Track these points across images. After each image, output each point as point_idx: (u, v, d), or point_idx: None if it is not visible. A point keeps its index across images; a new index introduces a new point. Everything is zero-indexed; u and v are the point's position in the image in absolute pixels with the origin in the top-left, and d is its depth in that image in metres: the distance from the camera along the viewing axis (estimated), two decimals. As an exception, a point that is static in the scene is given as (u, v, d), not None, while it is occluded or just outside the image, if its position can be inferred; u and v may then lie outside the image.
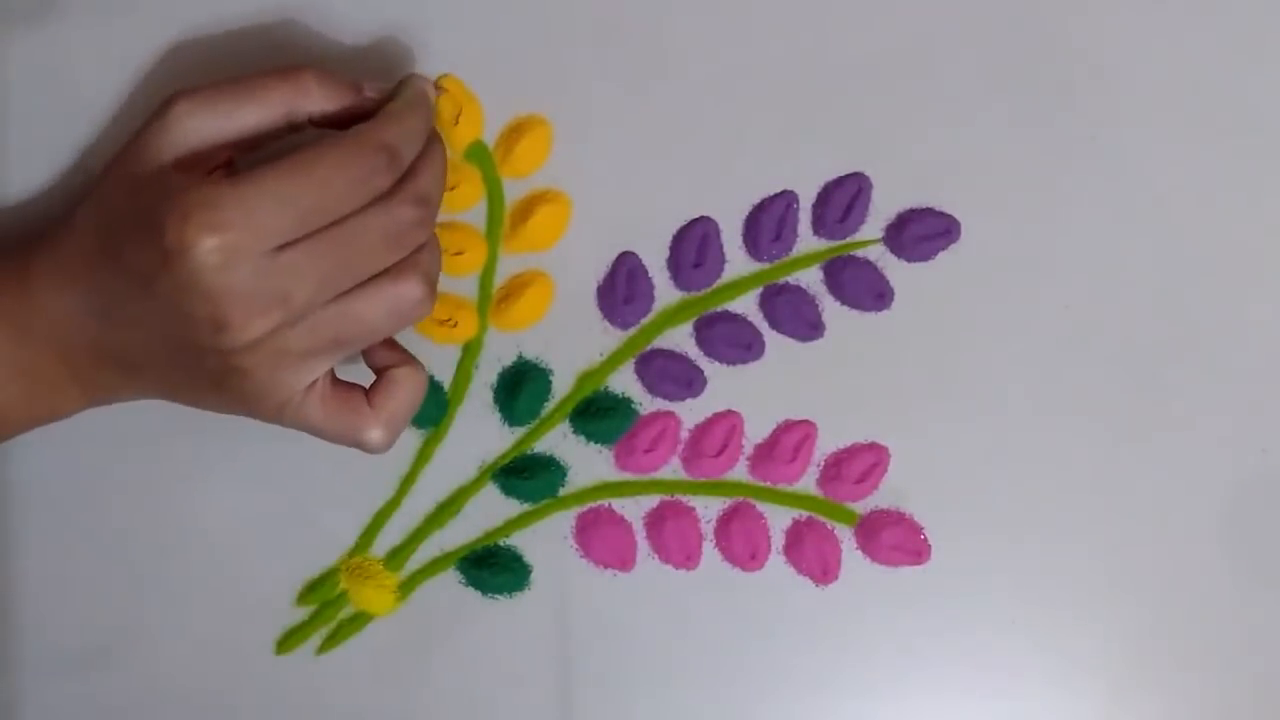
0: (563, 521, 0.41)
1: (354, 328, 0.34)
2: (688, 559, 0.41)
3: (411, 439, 0.41)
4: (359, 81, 0.36)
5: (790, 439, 0.41)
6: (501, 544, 0.41)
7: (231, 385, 0.34)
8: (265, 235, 0.32)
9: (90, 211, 0.35)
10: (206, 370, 0.34)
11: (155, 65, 0.41)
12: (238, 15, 0.41)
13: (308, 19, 0.41)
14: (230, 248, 0.31)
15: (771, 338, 0.41)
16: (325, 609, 0.41)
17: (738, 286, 0.41)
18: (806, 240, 0.41)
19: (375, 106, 0.36)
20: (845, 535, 0.41)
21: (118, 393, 0.37)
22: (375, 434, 0.36)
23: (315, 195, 0.32)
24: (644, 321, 0.41)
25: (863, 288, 0.41)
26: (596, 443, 0.41)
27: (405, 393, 0.36)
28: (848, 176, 0.41)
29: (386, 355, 0.37)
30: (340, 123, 0.36)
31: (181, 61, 0.41)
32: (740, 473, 0.41)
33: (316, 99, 0.35)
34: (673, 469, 0.41)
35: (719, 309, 0.41)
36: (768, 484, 0.41)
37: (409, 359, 0.37)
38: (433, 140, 0.36)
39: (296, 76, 0.35)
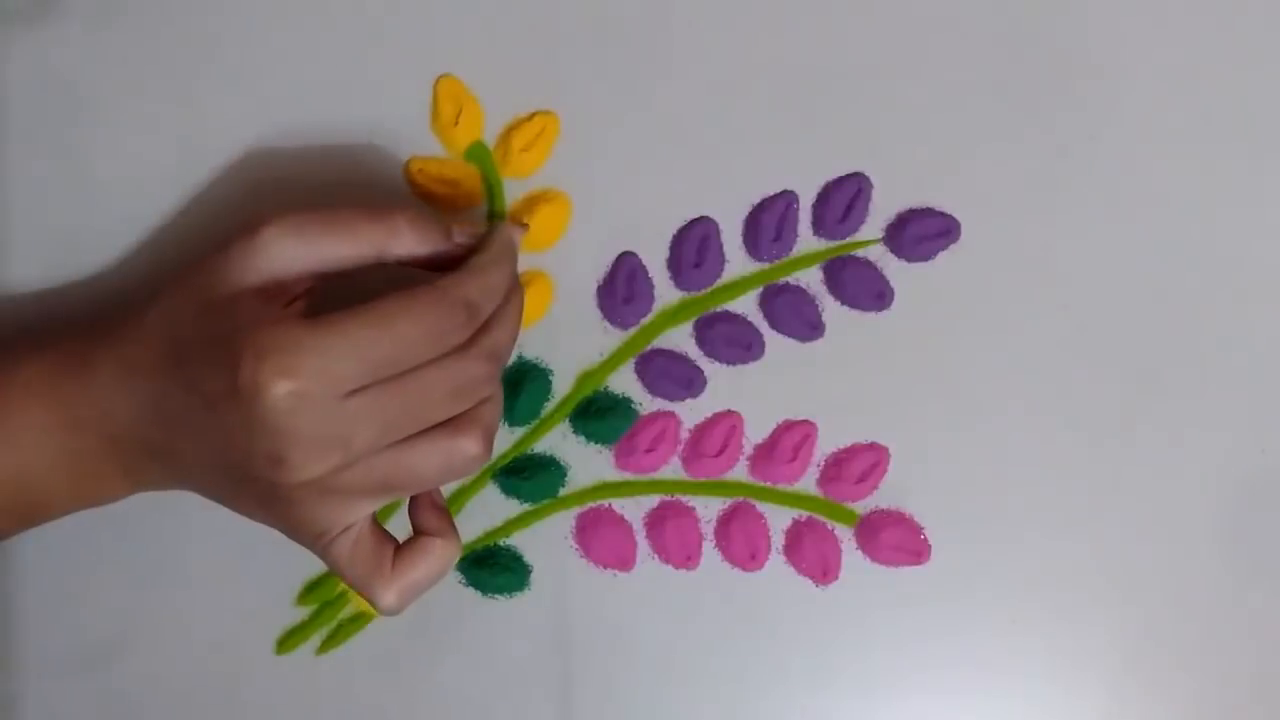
0: (563, 521, 0.41)
1: (406, 476, 0.34)
2: (688, 559, 0.41)
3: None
4: (449, 226, 0.36)
5: (790, 439, 0.41)
6: (501, 544, 0.41)
7: (276, 509, 0.34)
8: (337, 383, 0.32)
9: (163, 318, 0.35)
10: (255, 491, 0.34)
11: (155, 65, 0.41)
12: (237, 16, 0.41)
13: (308, 19, 0.41)
14: (301, 394, 0.31)
15: (771, 338, 0.41)
16: (325, 609, 0.41)
17: (738, 286, 0.41)
18: (806, 240, 0.41)
19: (463, 253, 0.36)
20: (845, 535, 0.41)
21: (163, 486, 0.37)
22: (387, 597, 0.35)
23: (391, 347, 0.32)
24: (644, 321, 0.41)
25: (863, 288, 0.41)
26: (596, 443, 0.41)
27: (430, 565, 0.36)
28: (848, 176, 0.41)
29: (429, 519, 0.36)
30: (427, 264, 0.35)
31: (181, 61, 0.41)
32: (740, 473, 0.41)
33: (408, 242, 0.35)
34: (673, 469, 0.41)
35: (719, 309, 0.41)
36: (768, 484, 0.41)
37: (448, 529, 0.36)
38: (513, 292, 0.36)
39: (390, 219, 0.35)
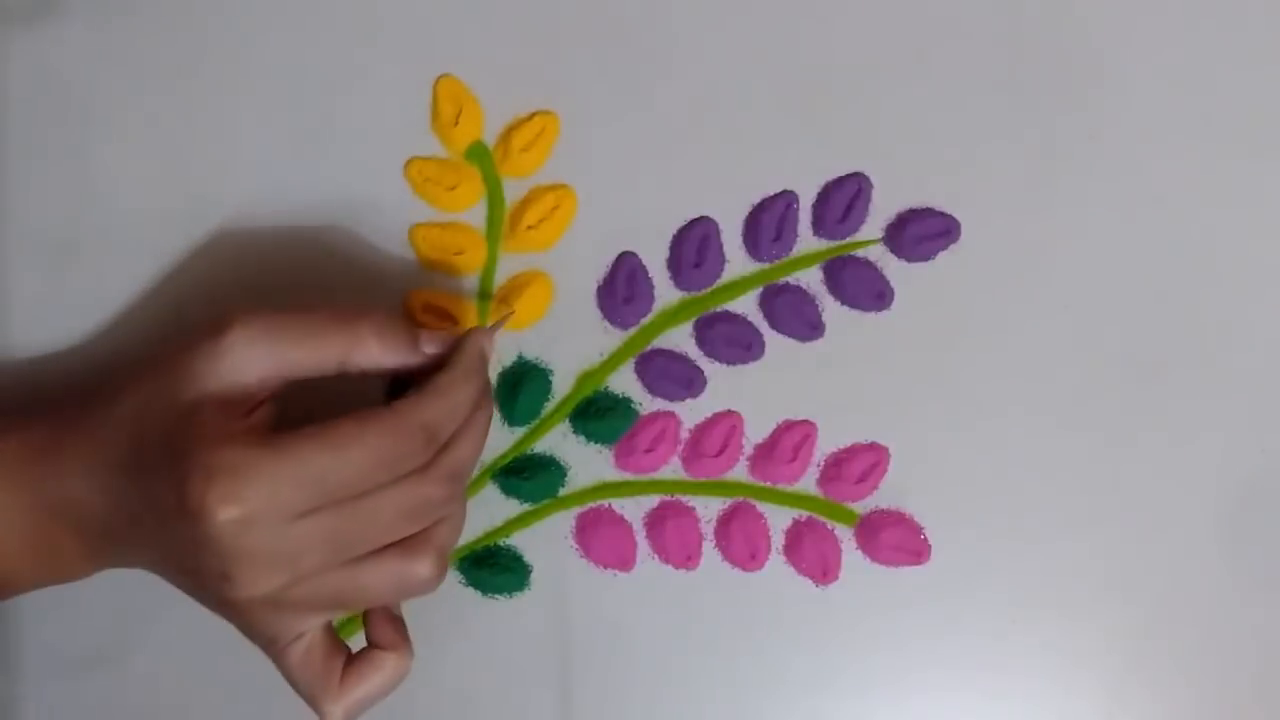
0: (563, 521, 0.41)
1: (357, 594, 0.34)
2: (688, 559, 0.41)
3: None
4: (417, 334, 0.35)
5: (790, 439, 0.41)
6: (501, 544, 0.41)
7: (229, 615, 0.35)
8: (285, 507, 0.32)
9: (126, 416, 0.34)
10: (208, 598, 0.34)
11: (155, 65, 0.41)
12: (237, 16, 0.41)
13: (308, 19, 0.41)
14: (247, 519, 0.31)
15: (771, 338, 0.41)
16: (325, 609, 0.41)
17: (738, 286, 0.41)
18: (806, 240, 0.41)
19: (430, 364, 0.35)
20: (845, 535, 0.41)
21: (126, 566, 0.37)
22: (334, 711, 0.35)
23: (343, 474, 0.32)
24: (644, 321, 0.41)
25: (863, 288, 0.41)
26: (596, 443, 0.41)
27: (380, 679, 0.36)
28: (848, 176, 0.41)
29: (383, 633, 0.36)
30: (394, 372, 0.35)
31: (181, 61, 0.41)
32: (740, 473, 0.41)
33: (373, 355, 0.34)
34: (673, 469, 0.41)
35: (719, 309, 0.41)
36: (768, 484, 0.41)
37: (400, 642, 0.36)
38: (479, 407, 0.35)
39: (354, 329, 0.34)
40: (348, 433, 0.32)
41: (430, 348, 0.35)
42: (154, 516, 0.33)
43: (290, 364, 0.34)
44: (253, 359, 0.33)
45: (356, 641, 0.41)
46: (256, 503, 0.31)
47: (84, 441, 0.35)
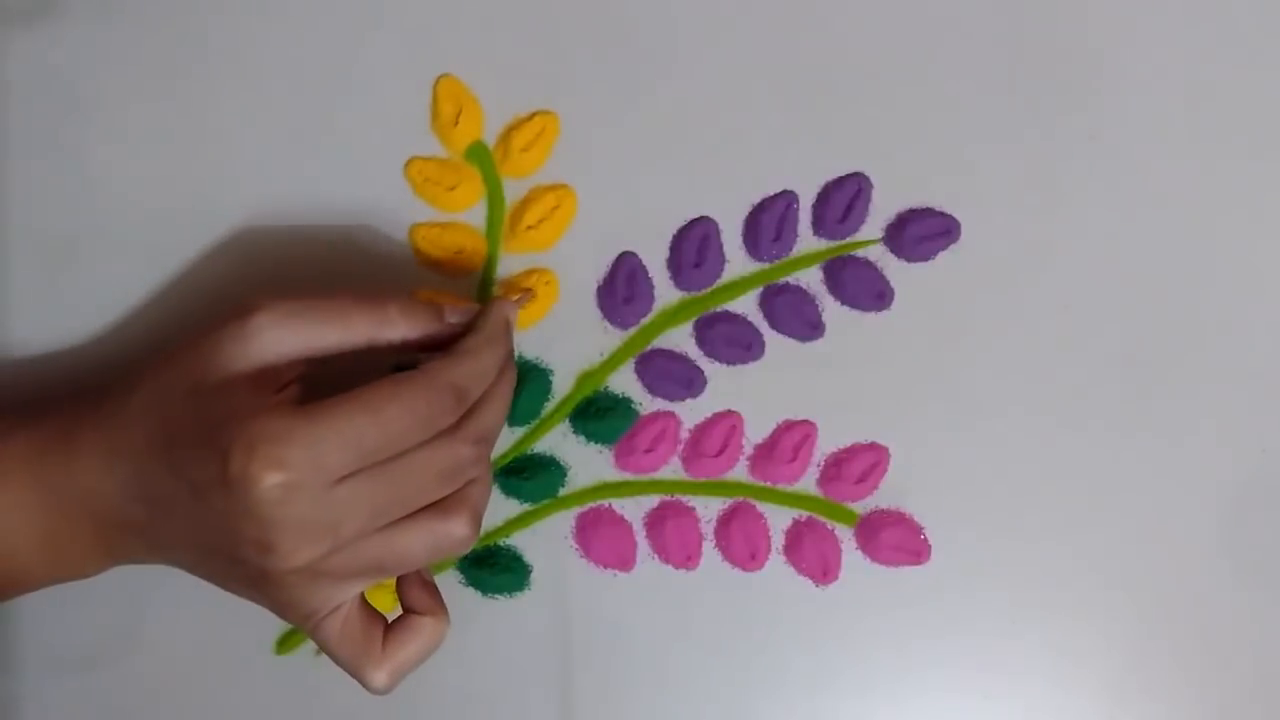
0: (563, 521, 0.41)
1: (395, 558, 0.34)
2: (688, 559, 0.41)
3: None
4: (441, 307, 0.36)
5: (790, 439, 0.41)
6: (501, 544, 0.41)
7: (264, 591, 0.34)
8: (326, 472, 0.32)
9: (150, 399, 0.35)
10: (243, 573, 0.34)
11: (155, 65, 0.41)
12: (237, 16, 0.41)
13: (308, 19, 0.41)
14: (291, 484, 0.31)
15: (771, 338, 0.41)
16: (325, 609, 0.41)
17: (738, 286, 0.41)
18: (806, 240, 0.41)
19: (456, 333, 0.36)
20: (845, 535, 0.41)
21: (145, 561, 0.37)
22: (379, 676, 0.35)
23: (380, 435, 0.32)
24: (644, 321, 0.41)
25: (863, 288, 0.41)
26: (596, 443, 0.41)
27: (420, 643, 0.36)
28: (848, 176, 0.41)
29: (419, 598, 0.36)
30: (420, 345, 0.36)
31: (181, 61, 0.41)
32: (740, 473, 0.41)
33: (400, 328, 0.35)
34: (673, 469, 0.41)
35: (719, 309, 0.41)
36: (768, 484, 0.41)
37: (437, 607, 0.36)
38: (504, 372, 0.36)
39: (382, 308, 0.35)
40: (382, 394, 0.33)
41: (455, 317, 0.36)
42: (186, 495, 0.33)
43: (317, 343, 0.34)
44: (280, 339, 0.34)
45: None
46: (299, 468, 0.31)
47: (98, 432, 0.35)
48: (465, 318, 0.36)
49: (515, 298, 0.39)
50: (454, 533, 0.34)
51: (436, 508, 0.34)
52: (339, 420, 0.32)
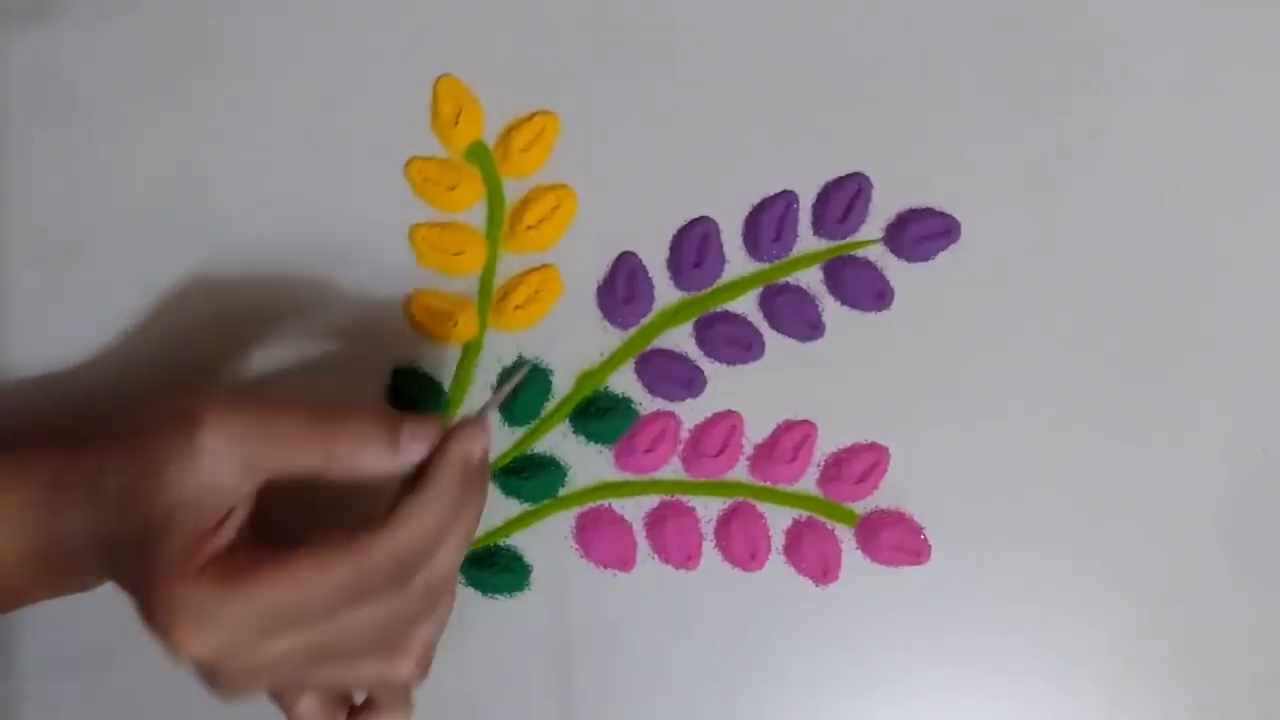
0: (563, 521, 0.41)
1: (342, 686, 0.34)
2: (688, 559, 0.41)
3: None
4: (399, 435, 0.33)
5: (790, 439, 0.41)
6: (501, 544, 0.41)
7: None
8: (254, 638, 0.31)
9: (109, 494, 0.33)
10: None
11: (155, 65, 0.41)
12: (237, 16, 0.41)
13: (308, 19, 0.41)
14: (215, 655, 0.31)
15: (771, 338, 0.41)
16: (325, 609, 0.41)
17: (738, 286, 0.41)
18: (806, 240, 0.41)
19: (412, 471, 0.34)
20: (845, 535, 0.41)
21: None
22: None
23: (309, 607, 0.31)
24: (644, 321, 0.41)
25: (863, 288, 0.41)
26: (596, 443, 0.41)
27: None
28: (848, 176, 0.41)
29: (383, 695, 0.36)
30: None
31: (181, 61, 0.41)
32: (740, 473, 0.41)
33: (346, 467, 0.33)
34: (673, 469, 0.41)
35: (719, 309, 0.41)
36: (768, 484, 0.41)
37: (399, 705, 0.36)
38: (461, 513, 0.34)
39: (333, 436, 0.33)
40: (311, 568, 0.31)
41: (413, 454, 0.33)
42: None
43: (264, 470, 0.33)
44: (225, 467, 0.32)
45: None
46: (221, 642, 0.31)
47: (76, 503, 0.34)
48: (426, 448, 0.33)
49: (483, 405, 0.36)
50: (398, 674, 0.34)
51: (382, 649, 0.33)
52: (264, 597, 0.31)
